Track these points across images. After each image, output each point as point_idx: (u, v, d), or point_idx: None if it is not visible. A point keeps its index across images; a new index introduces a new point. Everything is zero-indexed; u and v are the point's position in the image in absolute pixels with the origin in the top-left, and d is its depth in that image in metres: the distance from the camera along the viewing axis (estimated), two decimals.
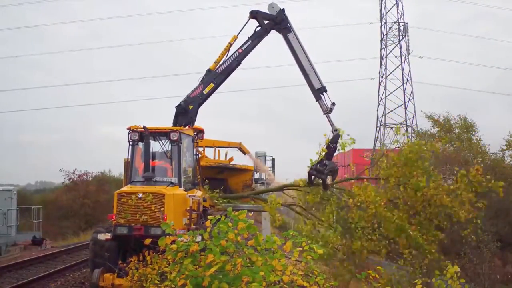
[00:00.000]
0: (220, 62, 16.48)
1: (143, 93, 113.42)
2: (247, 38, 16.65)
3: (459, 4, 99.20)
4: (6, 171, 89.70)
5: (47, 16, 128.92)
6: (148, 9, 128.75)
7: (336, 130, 15.41)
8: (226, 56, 16.57)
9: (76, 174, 39.06)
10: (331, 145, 15.40)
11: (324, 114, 15.63)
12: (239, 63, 16.66)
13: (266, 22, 16.57)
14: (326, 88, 15.77)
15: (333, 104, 15.60)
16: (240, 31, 16.76)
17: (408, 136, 48.44)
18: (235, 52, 16.58)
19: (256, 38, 16.59)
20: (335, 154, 16.32)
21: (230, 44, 16.67)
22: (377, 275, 10.14)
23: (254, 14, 16.64)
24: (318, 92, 15.69)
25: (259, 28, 16.62)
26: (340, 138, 15.27)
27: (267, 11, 16.73)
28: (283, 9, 16.41)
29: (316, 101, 15.76)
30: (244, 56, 16.62)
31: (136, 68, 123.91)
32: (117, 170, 46.22)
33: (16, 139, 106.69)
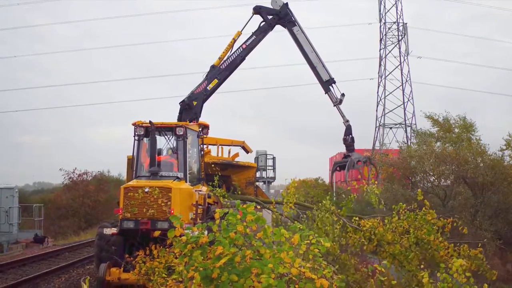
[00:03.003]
0: (224, 58, 16.37)
1: (141, 93, 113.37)
2: (251, 34, 16.52)
3: (458, 4, 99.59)
4: (4, 172, 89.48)
5: (45, 16, 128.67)
6: (144, 10, 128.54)
7: (347, 121, 15.31)
8: (230, 52, 16.45)
9: (76, 174, 39.26)
10: (347, 137, 15.28)
11: (334, 106, 15.55)
12: (243, 59, 16.56)
13: (270, 17, 16.46)
14: (334, 79, 15.65)
15: (343, 95, 15.51)
16: (244, 27, 16.66)
17: (407, 136, 48.77)
18: (239, 47, 16.46)
19: (260, 33, 16.46)
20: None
21: (234, 40, 16.55)
22: (383, 269, 10.23)
23: (257, 10, 16.54)
24: (327, 84, 15.62)
25: (264, 23, 16.51)
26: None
27: (270, 6, 16.60)
28: (287, 3, 16.29)
29: (325, 93, 15.68)
30: (248, 52, 16.50)
31: (133, 68, 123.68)
32: (116, 171, 46.38)
33: (13, 140, 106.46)
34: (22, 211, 28.08)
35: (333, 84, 15.71)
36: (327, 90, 15.65)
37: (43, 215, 28.53)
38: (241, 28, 16.82)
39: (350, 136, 15.32)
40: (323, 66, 15.73)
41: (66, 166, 42.26)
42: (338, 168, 16.78)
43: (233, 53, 16.43)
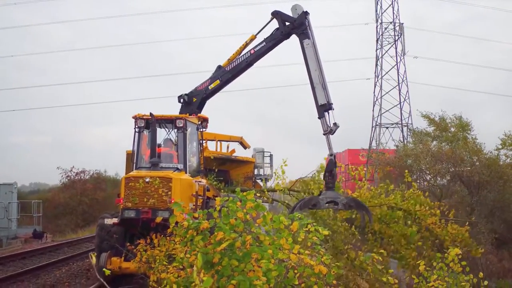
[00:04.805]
0: (233, 60, 15.89)
1: (135, 93, 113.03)
2: (263, 39, 15.60)
3: (454, 4, 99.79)
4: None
5: (36, 16, 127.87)
6: (141, 10, 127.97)
7: (332, 154, 13.35)
8: (239, 55, 15.84)
9: (74, 172, 39.45)
10: (327, 174, 13.19)
11: (324, 134, 13.69)
12: (249, 64, 15.77)
13: (288, 24, 15.15)
14: (332, 106, 13.83)
15: (335, 124, 13.61)
16: (260, 31, 15.78)
17: (404, 136, 48.99)
18: (247, 52, 15.71)
19: (270, 40, 15.42)
20: None
21: (246, 44, 15.86)
22: (380, 258, 10.38)
23: (275, 15, 15.37)
24: (322, 108, 13.76)
25: (277, 30, 15.38)
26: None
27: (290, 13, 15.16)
28: (306, 12, 14.86)
29: (318, 118, 13.91)
30: (256, 58, 15.67)
31: (128, 68, 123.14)
32: (112, 171, 46.51)
33: (8, 140, 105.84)
34: (21, 208, 28.27)
35: (329, 111, 13.85)
36: (320, 116, 13.81)
37: (41, 211, 28.70)
38: (251, 31, 16.61)
39: (331, 171, 13.20)
40: (324, 88, 13.98)
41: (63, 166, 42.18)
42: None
43: (241, 56, 15.80)
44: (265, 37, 15.55)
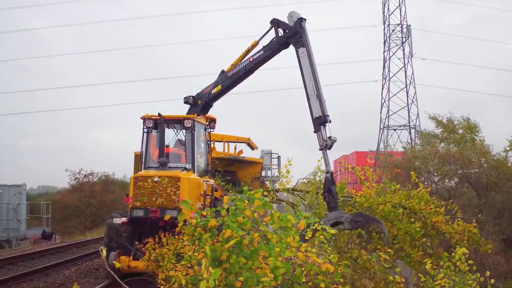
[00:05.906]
0: (235, 66, 15.64)
1: (132, 96, 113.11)
2: (261, 47, 15.17)
3: (462, 6, 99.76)
4: (8, 175, 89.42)
5: (39, 19, 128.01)
6: (141, 13, 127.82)
7: (328, 172, 12.47)
8: (241, 61, 15.54)
9: (82, 174, 39.65)
10: (326, 194, 12.33)
11: (319, 149, 12.84)
12: (248, 72, 15.46)
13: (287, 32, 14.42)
14: (328, 118, 12.87)
15: (330, 138, 12.73)
16: (261, 38, 15.30)
17: (411, 138, 48.89)
18: (247, 59, 15.39)
19: (268, 49, 14.95)
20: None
21: (248, 50, 15.51)
22: (387, 257, 10.41)
23: (273, 23, 14.79)
24: (317, 121, 12.85)
25: (274, 39, 14.80)
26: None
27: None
28: (301, 19, 14.06)
29: (314, 132, 13.07)
30: (254, 66, 15.34)
31: (129, 71, 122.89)
32: (120, 174, 46.64)
33: (17, 143, 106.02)
34: (30, 210, 28.47)
35: (326, 124, 12.90)
36: (316, 130, 12.90)
37: (50, 213, 28.89)
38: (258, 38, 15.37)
39: (330, 190, 12.25)
40: (319, 100, 13.00)
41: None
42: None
43: (241, 63, 15.52)
44: (264, 46, 15.10)
